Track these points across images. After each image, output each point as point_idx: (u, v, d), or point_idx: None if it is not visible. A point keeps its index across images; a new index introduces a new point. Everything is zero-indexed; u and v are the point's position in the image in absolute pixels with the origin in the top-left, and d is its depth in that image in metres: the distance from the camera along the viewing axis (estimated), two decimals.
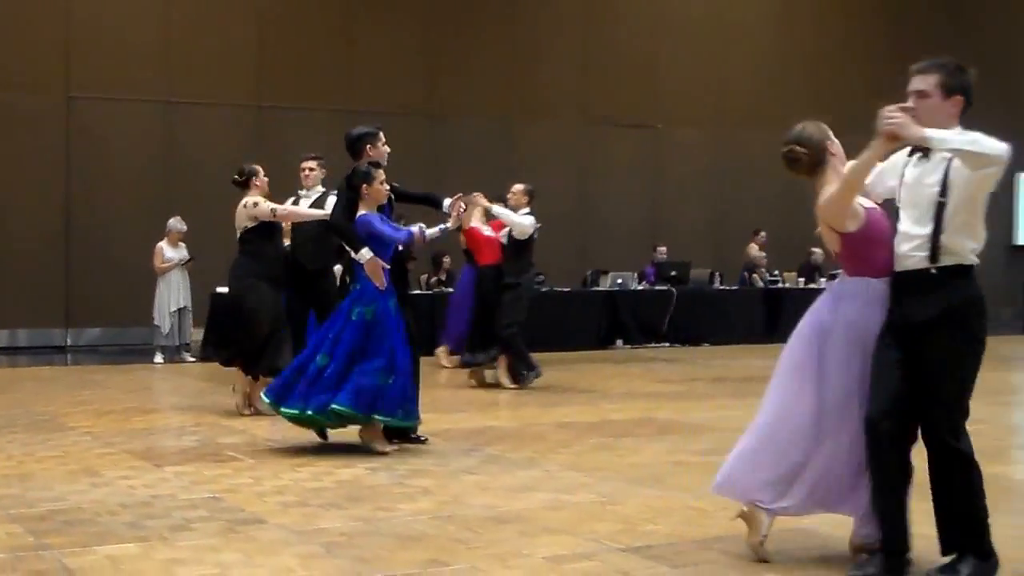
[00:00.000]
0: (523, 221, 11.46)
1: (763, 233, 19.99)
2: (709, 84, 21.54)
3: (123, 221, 16.93)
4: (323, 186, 10.29)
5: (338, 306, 7.90)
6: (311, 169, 10.34)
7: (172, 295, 14.67)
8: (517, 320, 11.60)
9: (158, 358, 14.63)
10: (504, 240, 11.86)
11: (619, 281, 17.79)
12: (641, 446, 8.05)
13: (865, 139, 4.74)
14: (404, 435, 7.93)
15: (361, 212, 7.66)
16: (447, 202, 8.33)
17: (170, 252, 14.79)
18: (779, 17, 22.31)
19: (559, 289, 17.56)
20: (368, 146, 8.10)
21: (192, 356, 14.81)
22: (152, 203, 16.67)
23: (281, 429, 8.70)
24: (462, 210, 8.36)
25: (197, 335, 14.87)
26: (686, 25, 21.42)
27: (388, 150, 8.23)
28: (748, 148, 21.60)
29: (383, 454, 7.55)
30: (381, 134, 8.22)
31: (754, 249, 19.86)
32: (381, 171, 7.82)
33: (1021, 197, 23.52)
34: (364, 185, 7.69)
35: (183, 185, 17.08)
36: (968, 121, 4.58)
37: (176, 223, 14.89)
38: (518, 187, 11.70)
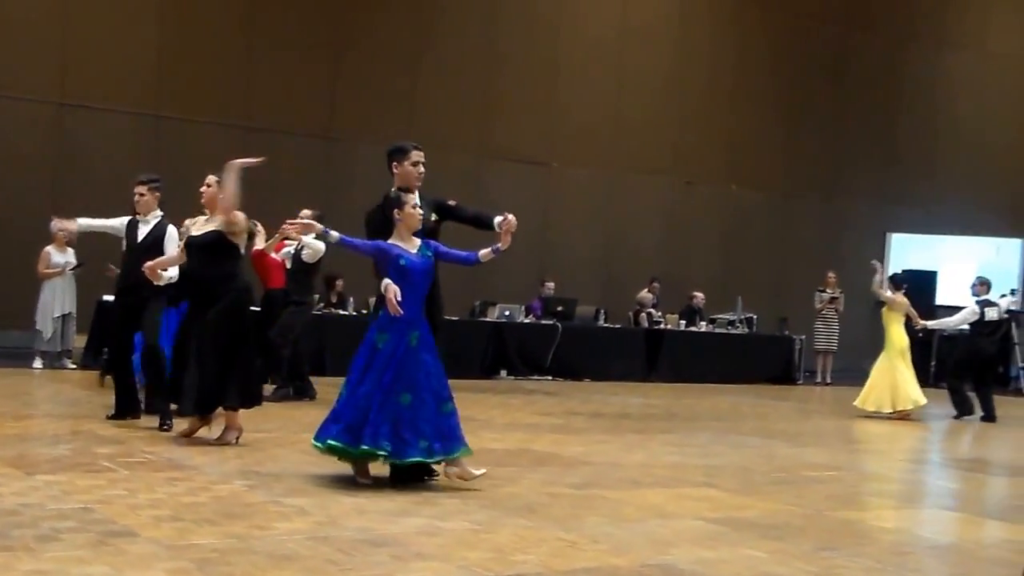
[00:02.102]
0: (317, 244, 11.58)
1: (656, 284, 20.34)
2: (604, 127, 21.88)
3: (8, 221, 16.61)
4: (161, 210, 10.01)
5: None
6: (140, 195, 10.02)
7: (57, 300, 14.42)
8: (292, 334, 11.97)
9: (37, 363, 14.35)
10: (289, 263, 12.24)
11: (506, 313, 17.94)
12: (518, 476, 8.12)
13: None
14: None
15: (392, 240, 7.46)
16: (498, 220, 7.76)
17: (57, 257, 14.54)
18: (674, 67, 22.72)
19: (448, 317, 17.62)
20: (394, 163, 7.80)
21: (73, 363, 14.57)
22: (39, 205, 16.26)
23: (159, 442, 8.65)
24: (513, 227, 7.73)
25: (80, 342, 14.67)
26: (585, 67, 21.73)
27: (420, 171, 7.80)
28: (638, 192, 22.02)
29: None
30: (413, 153, 7.81)
31: (646, 294, 20.20)
32: (413, 195, 7.54)
33: (892, 255, 24.21)
34: (396, 210, 7.47)
35: (73, 189, 16.82)
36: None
37: (56, 225, 14.65)
38: (307, 212, 11.36)
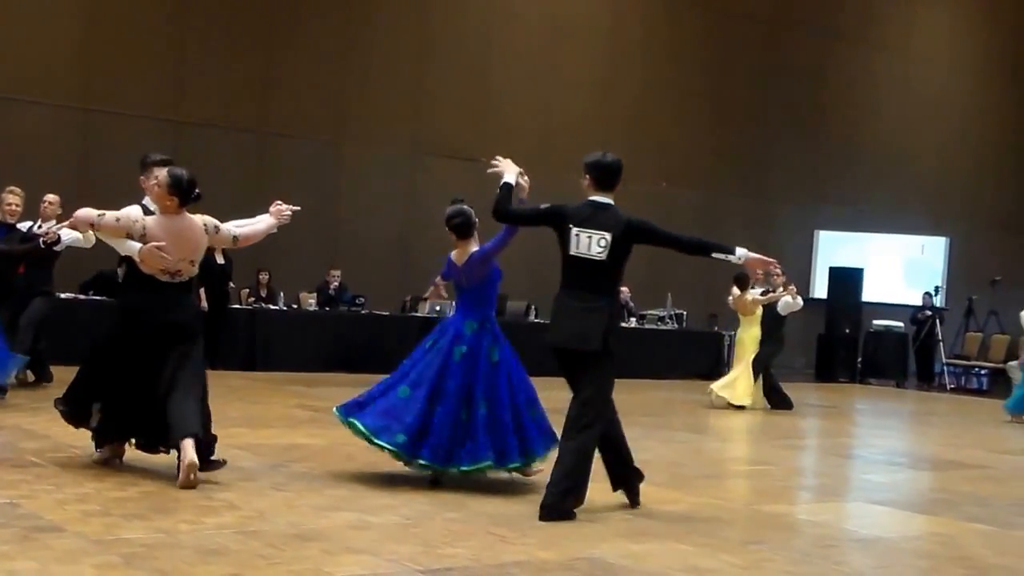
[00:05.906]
0: (72, 232, 11.05)
1: None
2: (535, 124, 21.85)
3: None
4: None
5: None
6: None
7: None
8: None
9: None
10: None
11: (436, 309, 17.90)
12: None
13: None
14: None
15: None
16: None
17: None
18: (607, 65, 22.75)
19: (378, 312, 17.65)
20: None
21: None
22: None
23: (87, 437, 8.52)
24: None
25: None
26: (516, 64, 21.67)
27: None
28: (568, 190, 21.85)
29: None
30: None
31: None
32: None
33: (819, 253, 24.52)
34: None
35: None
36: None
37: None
38: (54, 198, 11.03)
